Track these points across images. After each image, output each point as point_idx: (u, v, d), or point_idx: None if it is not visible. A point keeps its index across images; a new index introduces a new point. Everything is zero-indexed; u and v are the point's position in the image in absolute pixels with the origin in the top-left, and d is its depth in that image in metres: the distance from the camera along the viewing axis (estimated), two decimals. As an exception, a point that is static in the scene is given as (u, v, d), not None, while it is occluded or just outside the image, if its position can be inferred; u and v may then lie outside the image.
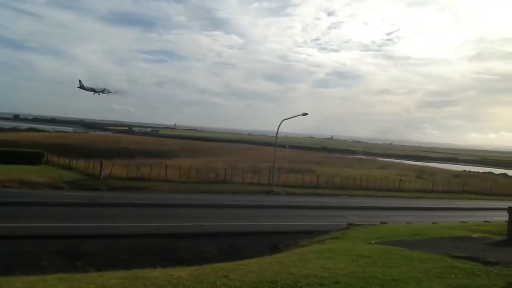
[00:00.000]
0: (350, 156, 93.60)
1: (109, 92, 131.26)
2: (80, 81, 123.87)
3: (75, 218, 18.91)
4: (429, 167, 69.56)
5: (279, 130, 36.55)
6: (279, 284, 5.92)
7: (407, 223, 18.54)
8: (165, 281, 6.15)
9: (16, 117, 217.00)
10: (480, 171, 71.86)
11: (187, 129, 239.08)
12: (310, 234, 17.00)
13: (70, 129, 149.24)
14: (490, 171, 75.66)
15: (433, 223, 18.13)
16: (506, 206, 13.15)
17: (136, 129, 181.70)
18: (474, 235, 13.29)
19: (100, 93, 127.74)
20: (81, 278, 6.55)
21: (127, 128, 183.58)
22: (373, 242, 11.45)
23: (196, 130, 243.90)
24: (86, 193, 26.11)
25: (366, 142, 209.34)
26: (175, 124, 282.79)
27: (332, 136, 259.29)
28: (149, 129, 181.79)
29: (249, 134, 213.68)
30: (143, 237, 16.89)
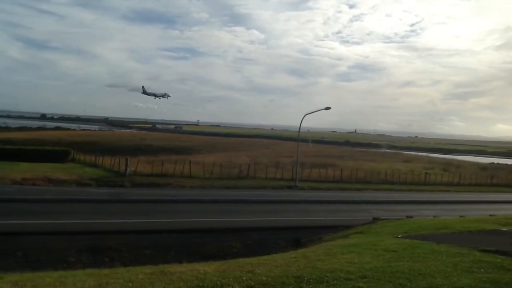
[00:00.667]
0: (374, 150, 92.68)
1: (168, 96, 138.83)
2: (143, 87, 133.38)
3: (101, 215, 19.27)
4: (455, 160, 68.43)
5: (301, 125, 36.41)
6: (305, 279, 5.89)
7: (434, 216, 18.27)
8: (192, 276, 6.20)
9: (43, 116, 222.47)
10: (509, 163, 70.14)
11: (210, 125, 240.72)
12: (334, 228, 16.93)
13: (95, 127, 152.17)
14: (519, 162, 73.77)
15: (460, 216, 17.79)
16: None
17: (160, 126, 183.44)
18: (504, 229, 12.97)
19: (161, 97, 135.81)
20: (109, 273, 6.66)
21: (150, 125, 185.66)
22: (399, 236, 11.30)
23: (219, 126, 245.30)
24: (112, 189, 26.53)
25: (390, 136, 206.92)
26: (198, 120, 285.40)
27: (355, 130, 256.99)
28: (173, 126, 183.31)
29: (272, 129, 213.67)
30: (167, 233, 17.11)
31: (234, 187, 30.51)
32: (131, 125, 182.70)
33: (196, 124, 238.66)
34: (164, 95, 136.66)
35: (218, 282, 5.62)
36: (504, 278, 6.51)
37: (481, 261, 7.53)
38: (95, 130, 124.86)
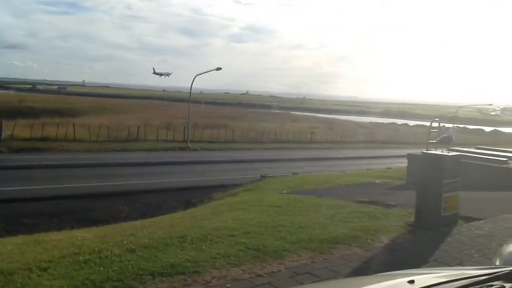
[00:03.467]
0: (265, 110, 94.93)
1: (168, 74, 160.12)
2: (153, 68, 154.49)
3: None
4: (338, 119, 72.65)
5: (194, 86, 35.85)
6: (189, 238, 5.87)
7: (317, 172, 19.33)
8: (68, 243, 5.87)
9: None
10: (385, 122, 76.24)
11: (97, 86, 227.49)
12: (225, 187, 17.19)
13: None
14: (393, 121, 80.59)
15: (341, 171, 19.04)
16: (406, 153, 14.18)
17: (41, 87, 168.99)
18: (377, 181, 14.18)
19: (166, 76, 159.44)
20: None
21: (30, 86, 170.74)
22: (284, 192, 11.79)
23: (107, 87, 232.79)
24: (-17, 156, 24.07)
25: (280, 97, 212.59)
26: (83, 81, 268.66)
27: (247, 91, 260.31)
28: (56, 87, 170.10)
29: (164, 90, 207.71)
30: (50, 200, 16.02)
31: (123, 149, 29.41)
32: (8, 85, 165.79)
33: (82, 85, 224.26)
34: (168, 74, 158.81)
35: (96, 248, 5.36)
36: (375, 225, 7.10)
37: (356, 211, 8.12)
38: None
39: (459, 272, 1.80)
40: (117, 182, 19.45)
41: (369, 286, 1.63)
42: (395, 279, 1.69)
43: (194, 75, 35.79)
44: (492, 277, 1.51)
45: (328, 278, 4.62)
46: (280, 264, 5.12)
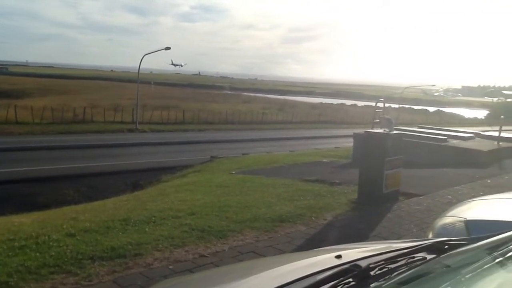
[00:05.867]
0: (217, 91, 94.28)
1: (182, 65, 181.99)
2: (172, 60, 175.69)
3: None
4: (290, 100, 73.25)
5: (144, 67, 35.00)
6: (132, 220, 5.74)
7: (267, 153, 19.45)
8: (4, 229, 5.59)
9: None
10: (334, 103, 77.69)
11: (42, 66, 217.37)
12: (174, 169, 16.99)
13: None
14: (343, 102, 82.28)
15: (290, 151, 19.25)
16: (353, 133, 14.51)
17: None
18: (325, 160, 14.43)
19: (180, 66, 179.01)
20: None
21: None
22: (233, 172, 11.78)
23: (52, 67, 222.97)
24: None
25: (232, 78, 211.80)
26: (26, 60, 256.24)
27: (199, 72, 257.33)
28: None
29: (112, 70, 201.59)
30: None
31: (69, 132, 28.37)
32: None
33: (25, 65, 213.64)
34: (181, 65, 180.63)
35: (33, 233, 5.13)
36: (320, 203, 7.22)
37: (302, 190, 8.23)
38: None
39: (386, 245, 1.83)
40: (62, 166, 18.80)
41: (297, 261, 1.63)
42: (323, 254, 1.69)
43: (143, 55, 34.89)
44: (415, 249, 1.53)
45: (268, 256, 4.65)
46: (224, 244, 5.12)
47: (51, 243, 4.86)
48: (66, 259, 4.42)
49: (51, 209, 9.06)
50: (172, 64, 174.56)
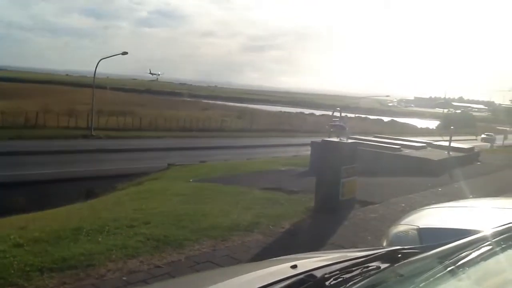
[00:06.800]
0: (175, 98, 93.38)
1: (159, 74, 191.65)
2: (150, 69, 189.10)
3: None
4: (249, 108, 73.52)
5: (100, 71, 34.31)
6: (85, 230, 5.54)
7: (225, 160, 19.40)
8: None
9: None
10: (293, 111, 78.61)
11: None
12: (130, 177, 16.64)
13: None
14: (301, 111, 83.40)
15: (248, 159, 19.28)
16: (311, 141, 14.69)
17: None
18: (283, 168, 14.51)
19: (157, 75, 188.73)
20: None
21: None
22: (191, 180, 11.65)
23: (3, 69, 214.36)
24: None
25: (191, 84, 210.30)
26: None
27: (157, 78, 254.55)
28: None
29: (67, 75, 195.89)
30: None
31: (20, 137, 27.31)
32: None
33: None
34: (158, 74, 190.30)
35: (-24, 244, 4.87)
36: (278, 211, 7.24)
37: (259, 198, 8.23)
38: None
39: (341, 254, 1.83)
40: (11, 172, 18.08)
41: (252, 272, 1.61)
42: (278, 264, 1.68)
43: (99, 59, 34.16)
44: (370, 258, 1.54)
45: (226, 266, 4.60)
46: (180, 253, 5.02)
47: (-4, 255, 4.62)
48: (12, 271, 4.20)
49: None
50: (150, 73, 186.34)
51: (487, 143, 43.52)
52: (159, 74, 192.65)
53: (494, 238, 1.50)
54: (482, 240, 1.50)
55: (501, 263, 1.40)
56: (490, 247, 1.44)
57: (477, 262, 1.36)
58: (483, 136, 49.56)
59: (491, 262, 1.37)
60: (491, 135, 48.90)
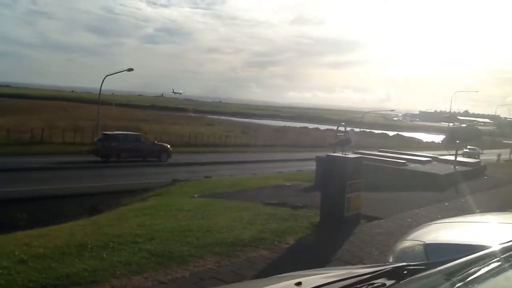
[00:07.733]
0: (180, 113, 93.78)
1: (181, 93, 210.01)
2: (173, 89, 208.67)
3: None
4: (253, 123, 73.71)
5: (105, 88, 34.56)
6: (89, 246, 5.52)
7: (230, 176, 19.36)
8: None
9: None
10: (297, 126, 78.68)
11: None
12: (134, 193, 16.60)
13: None
14: (305, 126, 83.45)
15: (252, 174, 19.24)
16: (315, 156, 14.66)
17: None
18: (287, 183, 14.46)
19: (179, 93, 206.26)
20: None
21: None
22: (195, 195, 11.62)
23: (9, 86, 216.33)
24: None
25: (196, 100, 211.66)
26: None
27: (162, 94, 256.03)
28: None
29: (72, 91, 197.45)
30: None
31: (25, 153, 27.41)
32: None
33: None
34: (180, 93, 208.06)
35: (-20, 261, 4.85)
36: (282, 227, 7.18)
37: (264, 214, 8.18)
38: None
39: (346, 271, 1.80)
40: (16, 188, 18.05)
41: None
42: (283, 281, 1.66)
43: (105, 76, 34.43)
44: (375, 275, 1.51)
45: (232, 282, 4.56)
46: (185, 270, 4.98)
47: (0, 271, 4.60)
48: (15, 288, 4.19)
49: (3, 234, 8.62)
50: (173, 92, 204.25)
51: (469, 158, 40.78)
52: (181, 93, 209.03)
53: (503, 254, 1.47)
54: (491, 256, 1.47)
55: (510, 280, 1.37)
56: (499, 263, 1.41)
57: (486, 279, 1.33)
58: (465, 150, 44.92)
59: (500, 279, 1.34)
60: (474, 149, 45.79)
